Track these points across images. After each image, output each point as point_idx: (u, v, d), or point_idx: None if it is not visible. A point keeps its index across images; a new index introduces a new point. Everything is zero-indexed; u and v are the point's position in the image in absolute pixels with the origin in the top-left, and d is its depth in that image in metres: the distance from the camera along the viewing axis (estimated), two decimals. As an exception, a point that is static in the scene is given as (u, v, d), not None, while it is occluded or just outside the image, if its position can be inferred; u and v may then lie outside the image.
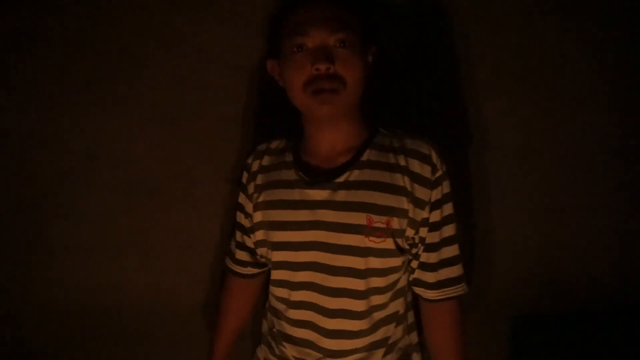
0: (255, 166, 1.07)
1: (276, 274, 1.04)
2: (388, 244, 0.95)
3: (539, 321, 1.24)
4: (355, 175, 0.97)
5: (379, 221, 0.94)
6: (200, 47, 1.11)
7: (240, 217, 1.10)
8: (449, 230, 1.00)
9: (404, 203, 0.95)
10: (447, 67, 1.16)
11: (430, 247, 0.99)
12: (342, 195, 0.96)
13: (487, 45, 1.15)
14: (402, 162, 0.97)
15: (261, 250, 1.06)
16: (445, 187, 0.99)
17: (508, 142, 1.18)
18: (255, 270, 1.13)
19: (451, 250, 1.00)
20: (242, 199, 1.10)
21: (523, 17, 1.14)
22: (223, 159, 1.17)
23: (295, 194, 0.99)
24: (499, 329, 1.26)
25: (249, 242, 1.10)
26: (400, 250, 0.97)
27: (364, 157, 0.98)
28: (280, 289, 1.03)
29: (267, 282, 1.12)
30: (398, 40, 1.15)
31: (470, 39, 1.14)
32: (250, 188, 1.06)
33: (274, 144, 1.08)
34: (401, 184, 0.96)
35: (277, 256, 1.02)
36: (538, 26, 1.14)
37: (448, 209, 0.99)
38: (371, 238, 0.94)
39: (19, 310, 1.17)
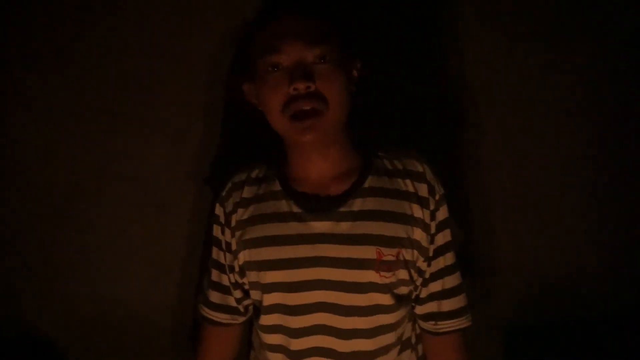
0: (236, 198, 0.96)
1: (268, 319, 0.93)
2: (399, 276, 0.88)
3: (535, 330, 1.20)
4: (358, 204, 0.89)
5: (389, 254, 0.87)
6: (210, 69, 1.09)
7: (218, 254, 0.99)
8: (450, 258, 0.93)
9: (413, 232, 0.89)
10: (437, 75, 1.11)
11: (433, 277, 0.92)
12: (346, 227, 0.87)
13: (480, 49, 1.10)
14: (410, 188, 0.91)
15: (254, 293, 0.95)
16: (445, 211, 0.93)
17: (504, 153, 1.15)
18: (236, 319, 1.00)
19: (453, 280, 0.94)
20: (217, 232, 0.99)
21: (517, 22, 1.10)
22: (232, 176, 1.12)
23: (290, 228, 0.89)
24: (495, 337, 1.23)
25: (226, 281, 0.98)
26: (411, 283, 0.91)
27: (367, 184, 0.90)
28: (274, 336, 0.93)
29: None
30: (383, 51, 1.08)
31: (462, 41, 1.10)
32: (232, 222, 0.95)
33: (254, 173, 0.97)
34: (409, 211, 0.89)
35: (271, 299, 0.91)
36: (530, 33, 1.11)
37: (448, 235, 0.94)
38: (382, 273, 0.87)
39: (28, 320, 1.16)
